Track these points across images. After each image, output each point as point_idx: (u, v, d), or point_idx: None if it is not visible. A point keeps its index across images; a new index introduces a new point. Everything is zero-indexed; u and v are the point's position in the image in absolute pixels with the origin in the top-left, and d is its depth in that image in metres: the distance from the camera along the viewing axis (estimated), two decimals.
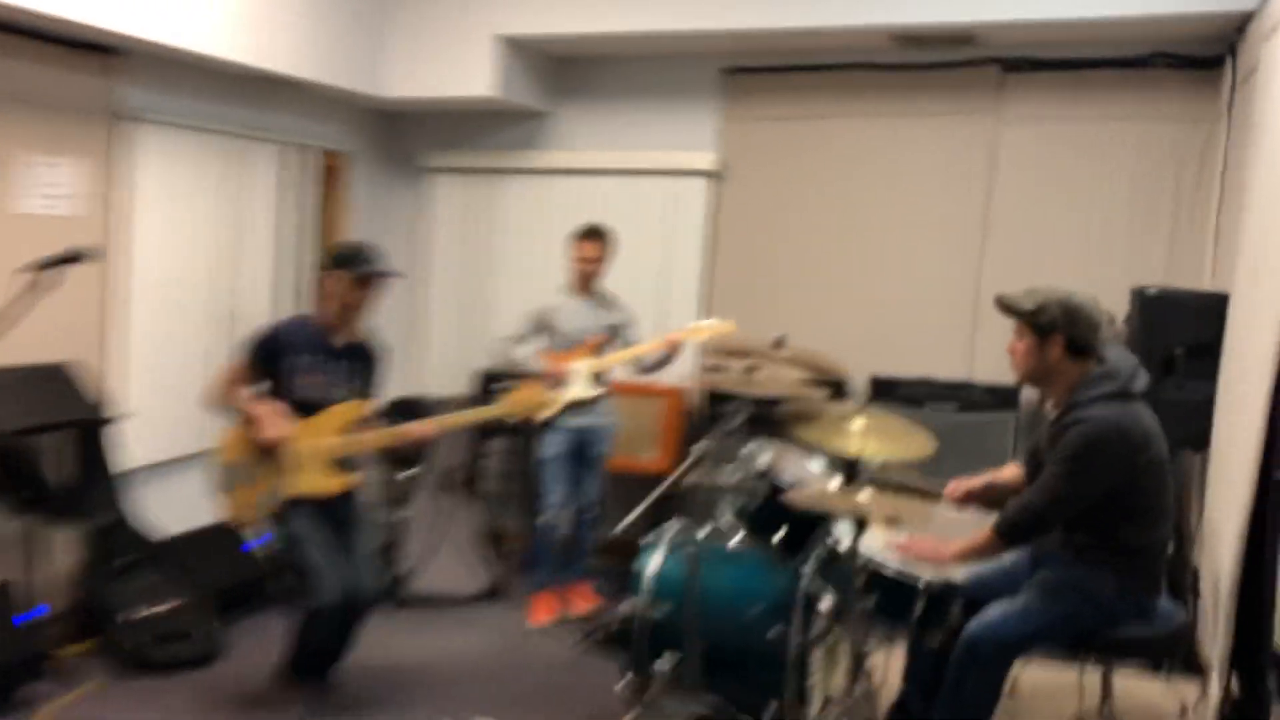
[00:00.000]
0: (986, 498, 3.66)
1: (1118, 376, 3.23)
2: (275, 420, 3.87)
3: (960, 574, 3.37)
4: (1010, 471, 3.68)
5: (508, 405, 4.21)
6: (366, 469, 4.22)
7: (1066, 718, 3.77)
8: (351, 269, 3.97)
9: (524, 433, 5.24)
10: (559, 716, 4.14)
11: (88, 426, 4.64)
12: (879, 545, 3.41)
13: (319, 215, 5.99)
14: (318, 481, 3.97)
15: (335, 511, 4.05)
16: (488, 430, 6.12)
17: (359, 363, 4.11)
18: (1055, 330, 3.25)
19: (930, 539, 3.40)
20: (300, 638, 4.06)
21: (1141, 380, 3.26)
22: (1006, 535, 3.25)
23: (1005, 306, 3.37)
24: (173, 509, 5.08)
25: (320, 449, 3.96)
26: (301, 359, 3.96)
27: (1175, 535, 3.75)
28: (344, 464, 4.04)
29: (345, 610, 3.98)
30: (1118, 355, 3.31)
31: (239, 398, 3.95)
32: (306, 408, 3.96)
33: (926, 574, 3.34)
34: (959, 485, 3.68)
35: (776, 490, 3.50)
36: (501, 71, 5.80)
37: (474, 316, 6.53)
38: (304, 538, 3.94)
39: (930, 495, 3.72)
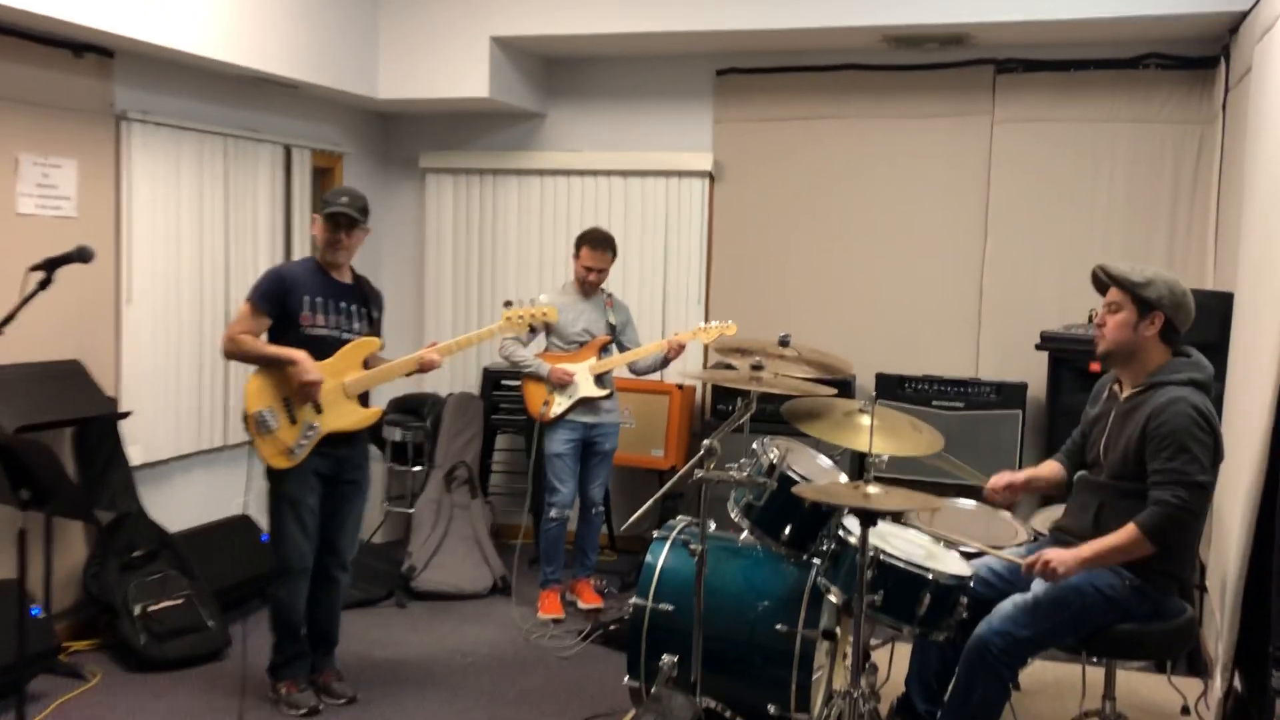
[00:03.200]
0: (1027, 492, 3.63)
1: (1203, 370, 3.23)
2: (312, 365, 3.92)
3: (968, 567, 3.38)
4: (1050, 468, 3.65)
5: (508, 323, 4.29)
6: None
7: (1070, 714, 3.78)
8: (322, 208, 4.03)
9: (532, 430, 5.25)
10: (566, 711, 4.15)
11: (100, 422, 4.67)
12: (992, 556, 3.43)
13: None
14: (347, 417, 4.04)
15: (345, 466, 4.12)
16: (495, 427, 6.16)
17: (363, 300, 4.16)
18: (1159, 308, 3.21)
19: (1058, 550, 3.21)
20: (271, 607, 4.14)
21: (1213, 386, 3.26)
22: (1157, 535, 3.09)
23: (1111, 276, 3.29)
24: (173, 507, 5.09)
25: (345, 386, 4.02)
26: (313, 299, 4.01)
27: None
28: (364, 399, 4.13)
29: (316, 576, 4.12)
30: (1200, 356, 3.30)
31: (261, 343, 3.98)
32: (321, 346, 4.00)
33: (949, 561, 3.35)
34: (1001, 478, 3.62)
35: (785, 486, 3.51)
36: (496, 72, 5.79)
37: (472, 314, 6.53)
38: (290, 500, 4.01)
39: (974, 486, 3.73)
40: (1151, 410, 3.16)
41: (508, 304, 4.38)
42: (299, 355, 3.92)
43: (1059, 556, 3.18)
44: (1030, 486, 3.65)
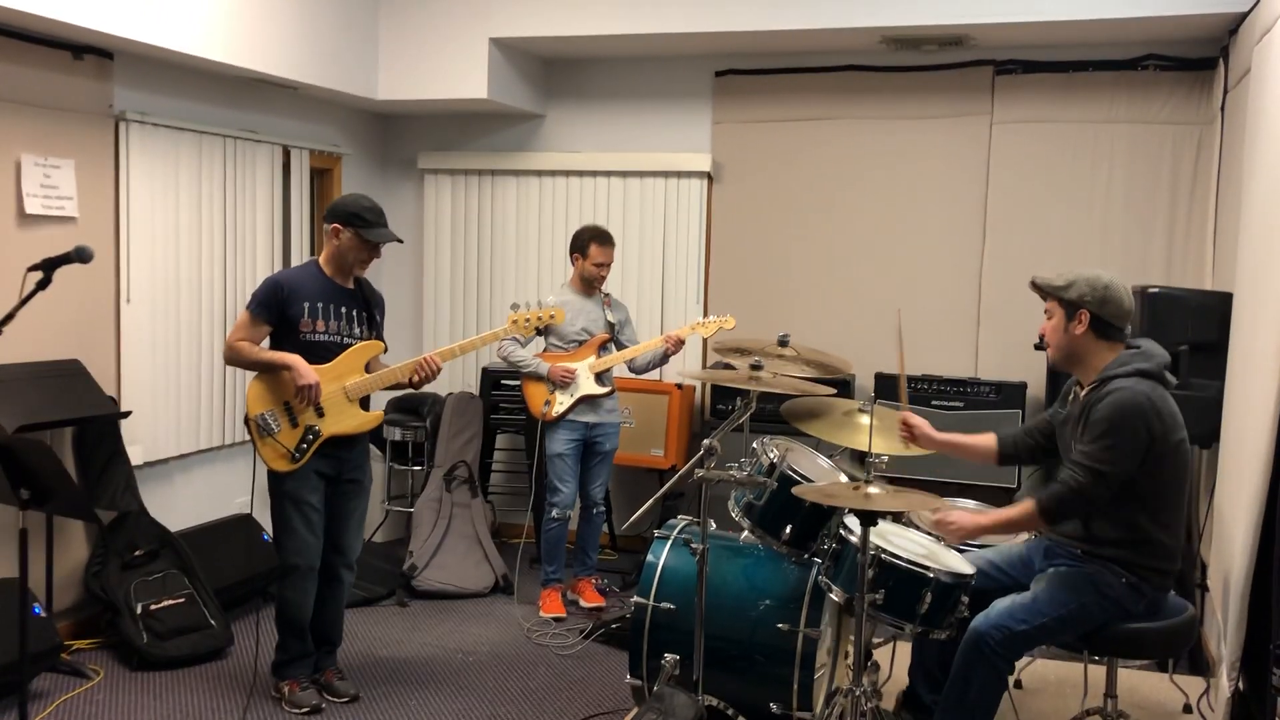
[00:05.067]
0: (949, 446, 3.69)
1: (1152, 359, 3.26)
2: (308, 369, 3.92)
3: (969, 566, 3.39)
4: (983, 439, 3.69)
5: (514, 326, 4.31)
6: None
7: (1071, 713, 3.79)
8: (365, 230, 4.03)
9: (532, 429, 5.26)
10: (567, 710, 4.15)
11: (100, 421, 4.67)
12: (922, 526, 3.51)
13: (314, 217, 6.00)
14: (348, 421, 4.05)
15: (345, 467, 4.12)
16: (495, 426, 6.17)
17: (365, 304, 4.17)
18: (1082, 307, 3.27)
19: (964, 512, 3.40)
20: (278, 607, 4.14)
21: (1170, 376, 3.29)
22: (1049, 514, 3.22)
23: (1036, 285, 3.41)
24: (174, 507, 5.10)
25: (347, 390, 4.03)
26: (313, 305, 4.02)
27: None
28: (365, 403, 4.14)
29: (321, 574, 4.12)
30: (1152, 345, 3.34)
31: (260, 349, 4.00)
32: (322, 352, 4.01)
33: (950, 560, 3.37)
34: (917, 425, 3.66)
35: (785, 485, 3.52)
36: (495, 74, 5.80)
37: (470, 314, 6.54)
38: (293, 499, 4.02)
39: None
40: (1096, 403, 3.21)
41: (514, 306, 4.39)
42: (294, 360, 3.93)
43: (960, 518, 3.34)
44: (945, 446, 3.67)
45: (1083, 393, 3.35)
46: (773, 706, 3.51)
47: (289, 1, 5.18)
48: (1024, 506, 3.26)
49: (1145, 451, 3.14)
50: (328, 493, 4.10)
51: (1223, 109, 5.11)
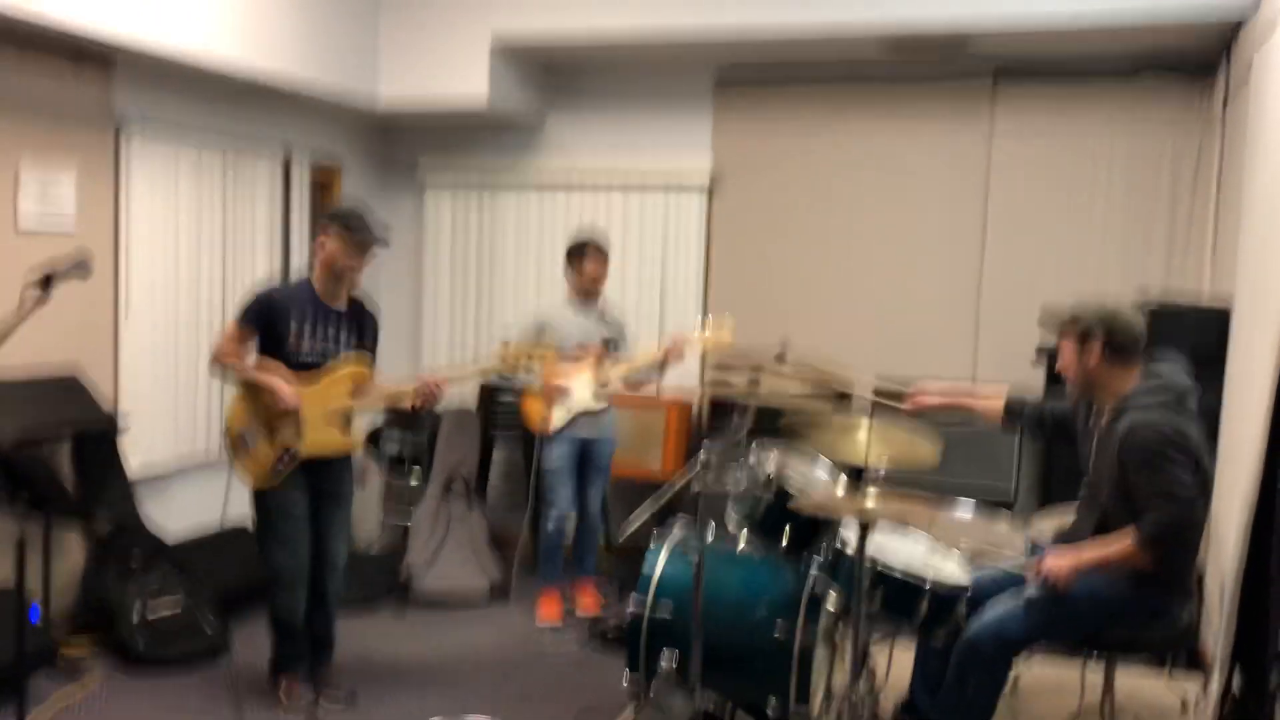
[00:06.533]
0: (955, 407, 3.73)
1: (1172, 389, 3.25)
2: (289, 389, 3.90)
3: (965, 575, 3.39)
4: (993, 399, 3.72)
5: (502, 363, 4.26)
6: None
7: (1068, 714, 3.78)
8: (349, 233, 4.00)
9: (528, 441, 5.26)
10: (564, 714, 4.15)
11: (99, 433, 4.66)
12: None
13: (314, 227, 6.00)
14: (327, 441, 4.02)
15: (325, 479, 4.10)
16: (492, 438, 6.16)
17: (358, 323, 4.13)
18: (1092, 335, 3.29)
19: (1056, 557, 3.27)
20: (271, 613, 4.14)
21: (1193, 399, 3.28)
22: (1155, 550, 3.15)
23: (1044, 320, 3.46)
24: (171, 517, 5.09)
25: (331, 410, 4.00)
26: (302, 321, 3.98)
27: None
28: (348, 423, 4.12)
29: (310, 583, 4.11)
30: (1173, 371, 3.33)
31: (245, 365, 3.98)
32: (309, 368, 3.98)
33: (948, 568, 3.36)
34: (924, 391, 3.72)
35: (782, 496, 3.52)
36: (495, 80, 5.79)
37: (469, 326, 6.55)
38: (278, 511, 4.01)
39: (895, 396, 3.72)
40: (1121, 438, 3.21)
41: (504, 343, 4.39)
42: (276, 382, 3.90)
43: (1056, 565, 3.21)
44: (957, 404, 3.72)
45: (1103, 418, 3.36)
46: (769, 710, 3.51)
47: (290, 8, 5.19)
48: (1124, 544, 3.18)
49: (1193, 471, 3.15)
50: (308, 504, 4.09)
51: (1222, 116, 5.11)
